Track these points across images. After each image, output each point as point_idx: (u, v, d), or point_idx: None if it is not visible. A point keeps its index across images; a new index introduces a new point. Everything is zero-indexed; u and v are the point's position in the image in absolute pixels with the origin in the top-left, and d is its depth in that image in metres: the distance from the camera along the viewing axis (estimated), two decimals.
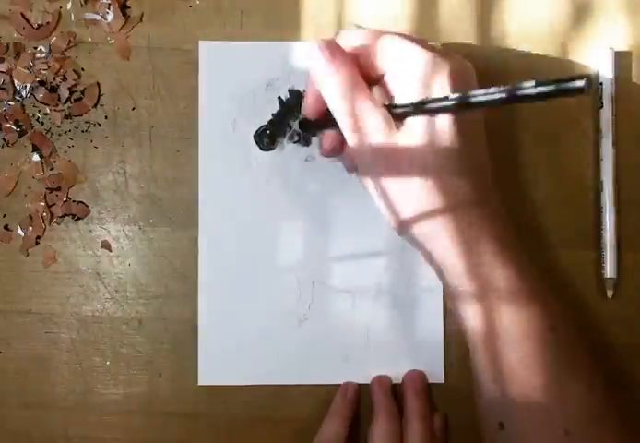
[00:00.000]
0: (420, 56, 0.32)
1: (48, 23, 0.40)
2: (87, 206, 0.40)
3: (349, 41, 0.34)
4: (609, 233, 0.40)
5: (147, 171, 0.40)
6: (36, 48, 0.40)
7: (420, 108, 0.31)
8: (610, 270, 0.40)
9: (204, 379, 0.40)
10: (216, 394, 0.40)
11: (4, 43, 0.40)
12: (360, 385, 0.40)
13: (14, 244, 0.40)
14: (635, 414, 0.40)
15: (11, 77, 0.40)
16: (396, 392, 0.40)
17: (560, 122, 0.41)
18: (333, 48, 0.33)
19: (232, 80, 0.40)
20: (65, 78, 0.40)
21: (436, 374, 0.40)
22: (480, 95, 0.28)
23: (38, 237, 0.40)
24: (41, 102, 0.40)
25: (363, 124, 0.32)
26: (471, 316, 0.33)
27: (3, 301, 0.40)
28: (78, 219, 0.40)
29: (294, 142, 0.40)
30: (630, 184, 0.41)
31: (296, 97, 0.40)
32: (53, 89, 0.40)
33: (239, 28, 0.41)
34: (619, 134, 0.40)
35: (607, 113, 0.40)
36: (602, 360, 0.39)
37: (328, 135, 0.36)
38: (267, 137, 0.40)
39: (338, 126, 0.33)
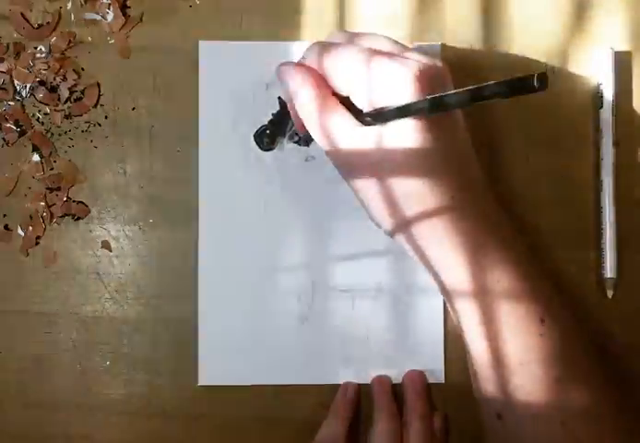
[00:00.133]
0: (384, 75, 0.31)
1: (48, 23, 0.40)
2: (87, 206, 0.40)
3: (316, 58, 0.34)
4: (609, 233, 0.40)
5: (147, 171, 0.40)
6: (36, 48, 0.40)
7: (387, 114, 0.31)
8: (610, 270, 0.40)
9: (204, 379, 0.40)
10: (216, 394, 0.40)
11: (4, 43, 0.40)
12: (360, 385, 0.40)
13: (14, 244, 0.40)
14: (635, 414, 0.40)
15: (11, 77, 0.40)
16: (396, 392, 0.40)
17: (560, 122, 0.41)
18: (295, 68, 0.34)
19: (232, 80, 0.40)
20: (65, 78, 0.40)
21: (436, 374, 0.40)
22: (445, 97, 0.28)
23: (38, 237, 0.40)
24: (41, 102, 0.40)
25: (332, 133, 0.33)
26: (469, 314, 0.33)
27: (3, 301, 0.40)
28: (78, 219, 0.40)
29: (294, 142, 0.40)
30: (630, 184, 0.41)
31: None
32: (53, 89, 0.40)
33: (239, 28, 0.41)
34: (619, 134, 0.40)
35: (607, 113, 0.40)
36: (602, 360, 0.39)
37: None
38: (267, 137, 0.40)
39: None
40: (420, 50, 0.34)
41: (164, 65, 0.40)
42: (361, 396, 0.40)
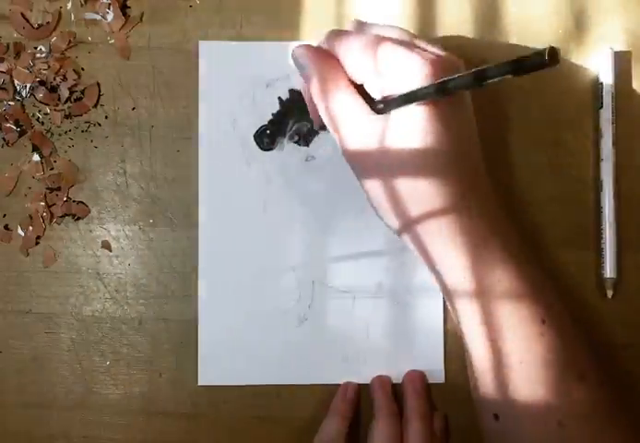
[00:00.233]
0: (395, 61, 0.31)
1: (48, 23, 0.40)
2: (87, 206, 0.40)
3: (331, 45, 0.34)
4: (609, 233, 0.40)
5: (147, 171, 0.40)
6: (36, 48, 0.40)
7: (401, 99, 0.31)
8: (610, 270, 0.40)
9: (204, 379, 0.40)
10: (216, 394, 0.40)
11: (4, 43, 0.40)
12: (360, 385, 0.40)
13: (14, 244, 0.40)
14: (634, 414, 0.40)
15: (11, 77, 0.40)
16: (396, 392, 0.40)
17: (560, 122, 0.41)
18: (312, 51, 0.34)
19: (232, 80, 0.40)
20: (65, 78, 0.40)
21: (436, 374, 0.40)
22: (455, 78, 0.28)
23: (38, 237, 0.40)
24: (41, 102, 0.40)
25: (343, 119, 0.33)
26: (470, 314, 0.33)
27: (3, 301, 0.40)
28: (78, 219, 0.40)
29: (294, 142, 0.40)
30: (630, 184, 0.41)
31: (296, 97, 0.40)
32: (53, 89, 0.40)
33: (239, 28, 0.41)
34: (619, 134, 0.40)
35: (607, 113, 0.40)
36: (602, 360, 0.39)
37: None
38: (267, 137, 0.40)
39: None
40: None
41: (164, 66, 0.40)
42: (361, 396, 0.40)
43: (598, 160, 0.41)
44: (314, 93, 0.34)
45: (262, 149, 0.40)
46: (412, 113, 0.31)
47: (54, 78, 0.40)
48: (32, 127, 0.40)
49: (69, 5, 0.40)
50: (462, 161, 0.32)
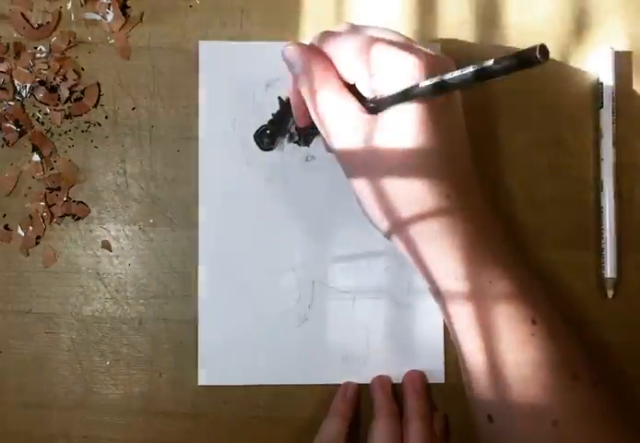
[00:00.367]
0: (385, 60, 0.31)
1: (48, 23, 0.40)
2: (87, 206, 0.40)
3: (323, 45, 0.34)
4: (609, 233, 0.40)
5: (147, 171, 0.40)
6: (36, 48, 0.40)
7: (393, 98, 0.31)
8: (610, 270, 0.40)
9: (204, 379, 0.40)
10: (216, 394, 0.40)
11: (4, 43, 0.40)
12: (360, 385, 0.40)
13: (14, 244, 0.40)
14: (635, 414, 0.40)
15: (11, 77, 0.40)
16: (396, 392, 0.40)
17: (560, 122, 0.41)
18: (303, 49, 0.33)
19: (232, 80, 0.40)
20: (65, 78, 0.40)
21: (436, 374, 0.40)
22: (449, 78, 0.28)
23: (38, 237, 0.40)
24: (41, 102, 0.40)
25: (334, 118, 0.32)
26: (461, 315, 0.33)
27: (3, 301, 0.40)
28: (78, 219, 0.40)
29: (294, 142, 0.40)
30: (630, 184, 0.41)
31: None
32: (53, 89, 0.40)
33: (239, 28, 0.41)
34: (619, 134, 0.40)
35: (607, 113, 0.40)
36: (602, 360, 0.39)
37: None
38: (267, 137, 0.40)
39: None
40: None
41: (164, 65, 0.40)
42: (361, 396, 0.40)
43: (598, 160, 0.41)
44: (304, 92, 0.34)
45: (262, 149, 0.40)
46: (404, 112, 0.31)
47: (54, 78, 0.40)
48: (32, 127, 0.40)
49: (69, 5, 0.40)
50: (453, 162, 0.32)
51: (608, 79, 0.40)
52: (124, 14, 0.40)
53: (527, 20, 0.41)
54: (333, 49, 0.33)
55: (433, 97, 0.30)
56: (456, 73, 0.27)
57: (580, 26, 0.41)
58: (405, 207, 0.32)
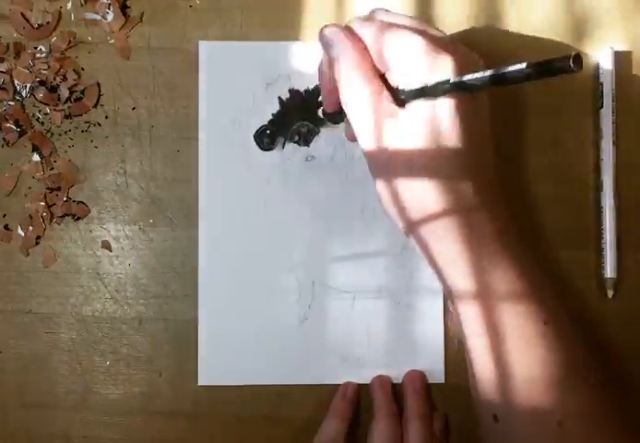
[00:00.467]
0: (422, 55, 0.31)
1: (48, 23, 0.40)
2: (87, 206, 0.40)
3: (360, 31, 0.34)
4: (609, 233, 0.40)
5: (147, 171, 0.40)
6: (36, 48, 0.40)
7: (420, 91, 0.31)
8: (610, 270, 0.40)
9: (204, 379, 0.40)
10: (216, 394, 0.40)
11: (4, 43, 0.40)
12: (359, 385, 0.40)
13: (14, 244, 0.40)
14: (635, 414, 0.40)
15: (11, 77, 0.40)
16: (396, 392, 0.40)
17: (560, 122, 0.41)
18: (344, 33, 0.33)
19: (232, 80, 0.40)
20: (65, 78, 0.40)
21: (436, 374, 0.40)
22: (472, 79, 0.29)
23: (38, 237, 0.40)
24: (41, 102, 0.40)
25: (365, 106, 0.32)
26: (472, 314, 0.33)
27: (3, 301, 0.40)
28: (78, 219, 0.40)
29: (294, 142, 0.40)
30: (630, 184, 0.41)
31: (296, 97, 0.40)
32: (53, 89, 0.40)
33: (239, 28, 0.41)
34: (619, 134, 0.40)
35: (607, 113, 0.40)
36: (602, 360, 0.39)
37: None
38: (267, 137, 0.40)
39: None
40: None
41: (164, 65, 0.40)
42: (361, 396, 0.40)
43: (598, 160, 0.41)
44: (339, 78, 0.33)
45: (262, 149, 0.40)
46: (435, 108, 0.31)
47: (54, 78, 0.40)
48: (32, 127, 0.40)
49: (69, 5, 0.40)
50: (480, 160, 0.32)
51: (608, 79, 0.40)
52: (124, 14, 0.40)
53: (527, 20, 0.41)
54: (368, 37, 0.33)
55: (461, 94, 0.31)
56: (487, 73, 0.28)
57: (580, 26, 0.41)
58: (426, 204, 0.32)
